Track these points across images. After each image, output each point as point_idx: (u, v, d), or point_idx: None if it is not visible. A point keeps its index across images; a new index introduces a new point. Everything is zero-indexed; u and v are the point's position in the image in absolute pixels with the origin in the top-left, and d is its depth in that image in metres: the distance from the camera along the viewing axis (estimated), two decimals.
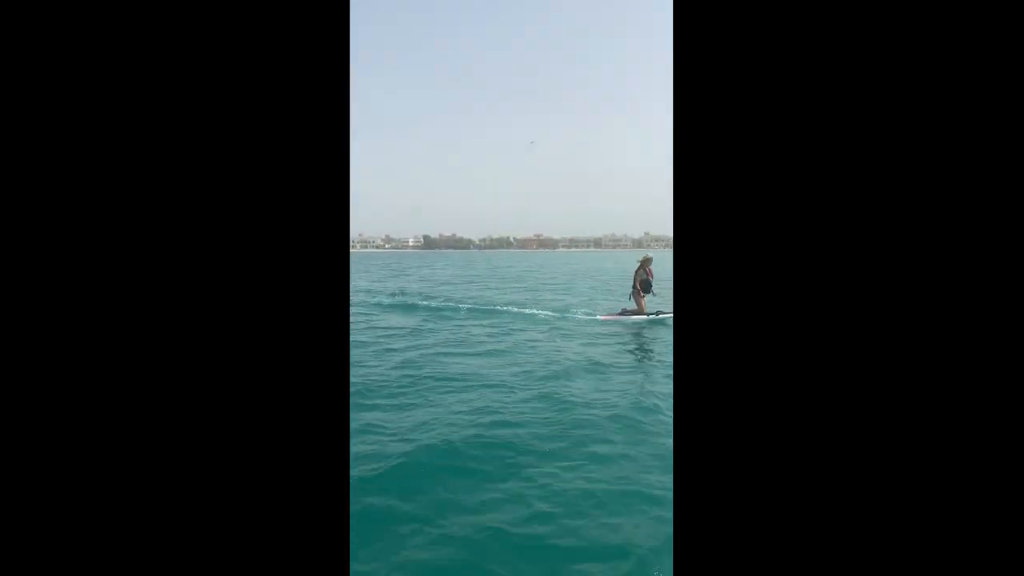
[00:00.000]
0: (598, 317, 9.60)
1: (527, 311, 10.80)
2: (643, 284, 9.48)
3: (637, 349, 7.22)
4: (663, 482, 3.00)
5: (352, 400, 3.86)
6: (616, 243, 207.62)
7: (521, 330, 8.60)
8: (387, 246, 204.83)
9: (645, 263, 9.58)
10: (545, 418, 4.08)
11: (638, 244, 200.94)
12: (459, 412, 4.21)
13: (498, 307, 11.45)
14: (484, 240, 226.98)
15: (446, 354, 6.63)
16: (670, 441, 3.56)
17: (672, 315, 9.15)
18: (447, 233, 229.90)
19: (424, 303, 12.50)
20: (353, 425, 3.53)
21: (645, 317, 9.33)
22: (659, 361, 6.44)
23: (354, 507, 2.31)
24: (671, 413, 4.23)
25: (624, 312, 9.65)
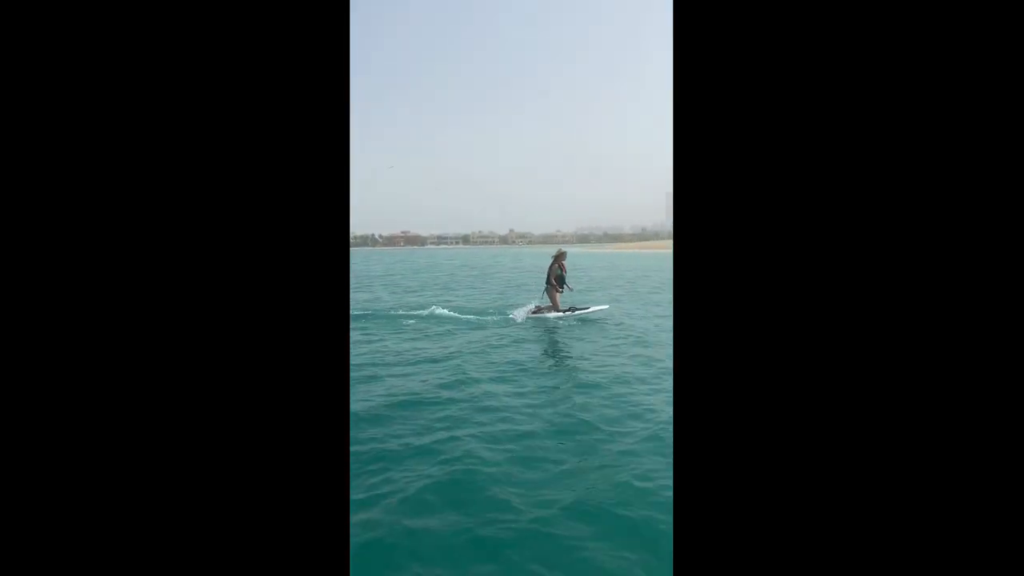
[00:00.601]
0: (510, 316, 8.86)
1: None
2: (558, 280, 8.92)
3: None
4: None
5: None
6: (484, 240, 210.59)
7: None
8: None
9: (559, 257, 8.98)
10: None
11: (504, 241, 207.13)
12: None
13: None
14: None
15: None
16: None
17: (588, 311, 8.92)
18: None
19: None
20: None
21: (560, 314, 8.77)
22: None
23: None
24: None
25: (537, 310, 8.98)
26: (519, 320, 8.67)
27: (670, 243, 64.70)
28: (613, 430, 3.42)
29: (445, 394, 4.35)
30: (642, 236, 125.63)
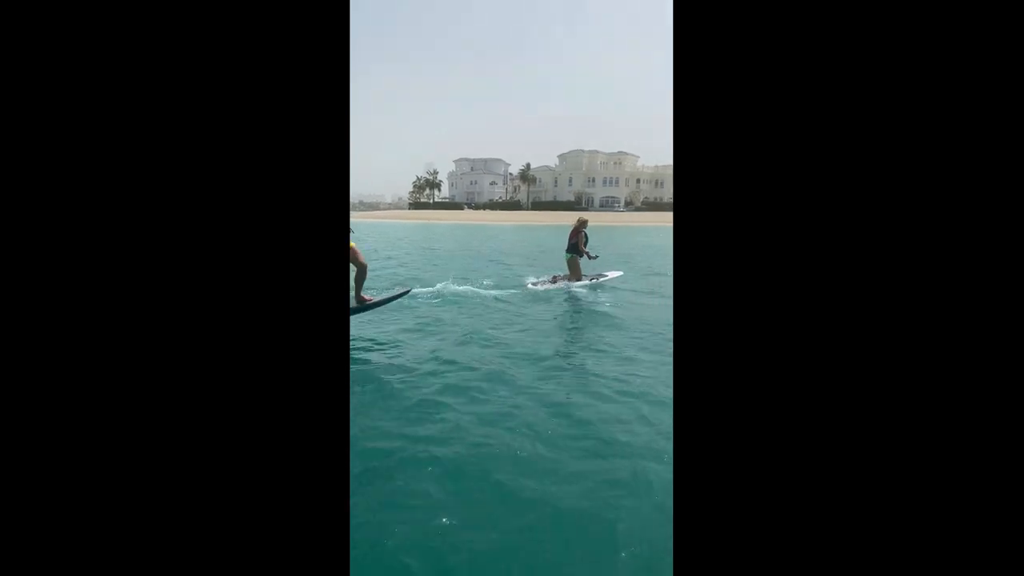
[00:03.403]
0: (529, 287, 8.02)
1: None
2: (586, 245, 8.26)
3: None
4: None
5: None
6: None
7: None
8: None
9: (582, 224, 8.29)
10: None
11: None
12: None
13: None
14: None
15: None
16: None
17: (608, 279, 8.47)
18: None
19: None
20: None
21: (589, 282, 8.23)
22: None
23: None
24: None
25: (556, 279, 8.32)
26: (541, 291, 7.74)
27: (441, 213, 67.34)
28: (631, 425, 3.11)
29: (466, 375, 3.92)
30: (397, 205, 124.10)
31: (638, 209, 68.35)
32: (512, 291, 7.69)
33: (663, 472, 2.39)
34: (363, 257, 4.81)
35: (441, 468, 2.50)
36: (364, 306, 4.93)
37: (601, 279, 8.42)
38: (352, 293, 4.79)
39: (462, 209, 74.92)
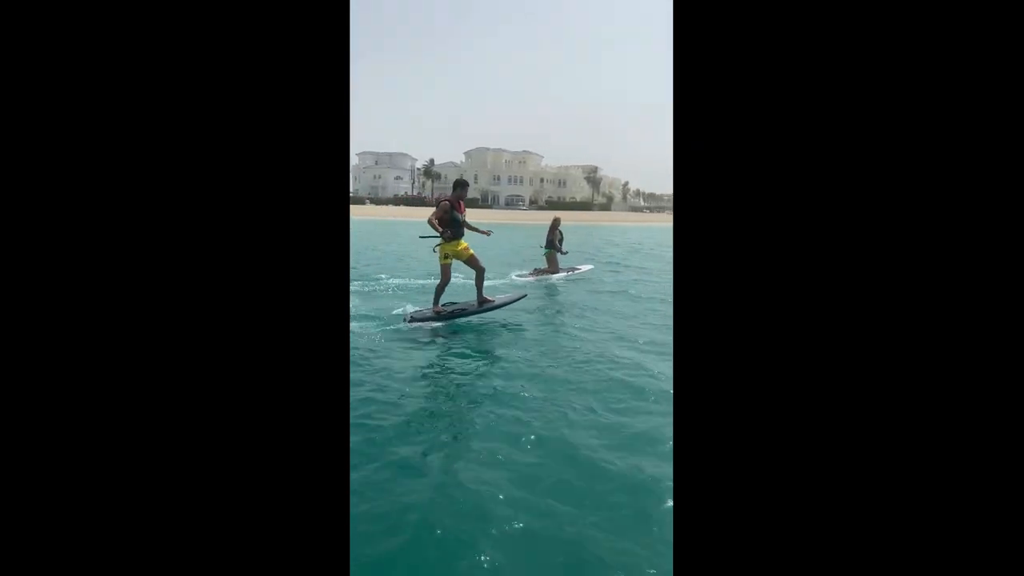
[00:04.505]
0: (514, 278, 8.78)
1: None
2: (560, 243, 9.45)
3: None
4: None
5: None
6: None
7: None
8: None
9: (557, 223, 9.50)
10: None
11: None
12: None
13: None
14: None
15: None
16: None
17: (582, 271, 9.64)
18: None
19: None
20: None
21: (563, 275, 9.18)
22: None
23: None
24: None
25: (536, 272, 9.24)
26: (523, 282, 8.31)
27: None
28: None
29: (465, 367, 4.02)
30: None
31: (541, 208, 70.58)
32: (498, 283, 7.97)
33: (664, 471, 2.39)
34: (481, 261, 5.54)
35: (443, 467, 2.50)
36: (485, 307, 5.52)
37: (575, 272, 9.25)
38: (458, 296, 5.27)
39: (364, 204, 72.22)
